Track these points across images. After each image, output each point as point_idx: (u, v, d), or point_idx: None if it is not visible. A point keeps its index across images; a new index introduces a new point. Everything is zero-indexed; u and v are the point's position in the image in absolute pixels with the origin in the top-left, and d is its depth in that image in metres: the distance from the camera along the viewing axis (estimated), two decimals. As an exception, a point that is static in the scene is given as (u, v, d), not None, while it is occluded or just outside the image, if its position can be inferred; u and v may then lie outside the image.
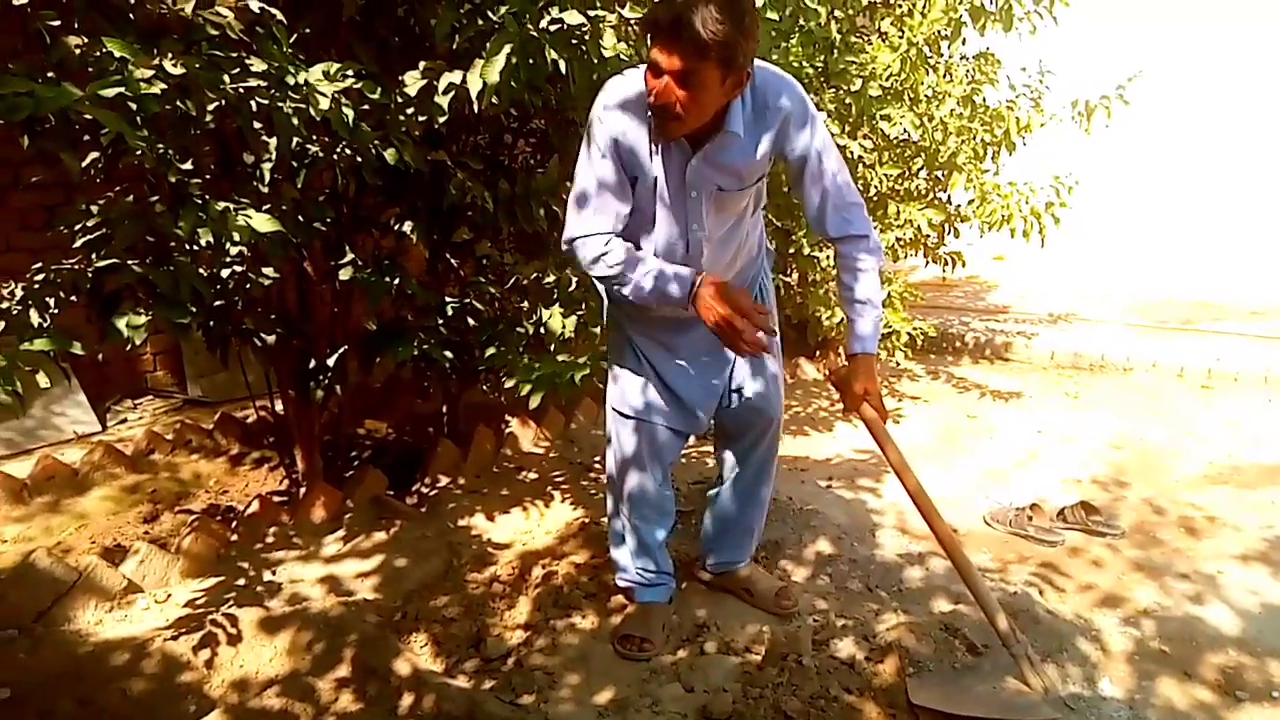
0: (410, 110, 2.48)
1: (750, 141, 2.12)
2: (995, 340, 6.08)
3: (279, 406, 3.48)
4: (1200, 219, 9.81)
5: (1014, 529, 3.33)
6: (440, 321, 3.15)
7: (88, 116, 1.86)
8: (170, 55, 1.90)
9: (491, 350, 3.04)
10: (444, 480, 3.66)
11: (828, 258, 4.52)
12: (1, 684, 2.32)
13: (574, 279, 2.99)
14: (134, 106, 1.86)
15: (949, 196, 5.04)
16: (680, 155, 2.12)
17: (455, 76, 2.34)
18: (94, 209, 2.39)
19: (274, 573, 2.93)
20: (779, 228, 4.37)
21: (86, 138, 2.31)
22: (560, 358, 2.60)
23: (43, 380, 2.05)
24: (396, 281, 2.89)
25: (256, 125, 2.20)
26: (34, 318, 2.22)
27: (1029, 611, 2.69)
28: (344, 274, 2.88)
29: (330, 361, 3.11)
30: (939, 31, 4.53)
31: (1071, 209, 4.73)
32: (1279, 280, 7.47)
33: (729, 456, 2.65)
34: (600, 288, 2.54)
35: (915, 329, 4.81)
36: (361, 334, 3.22)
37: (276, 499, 3.36)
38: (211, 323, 2.78)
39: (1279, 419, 4.65)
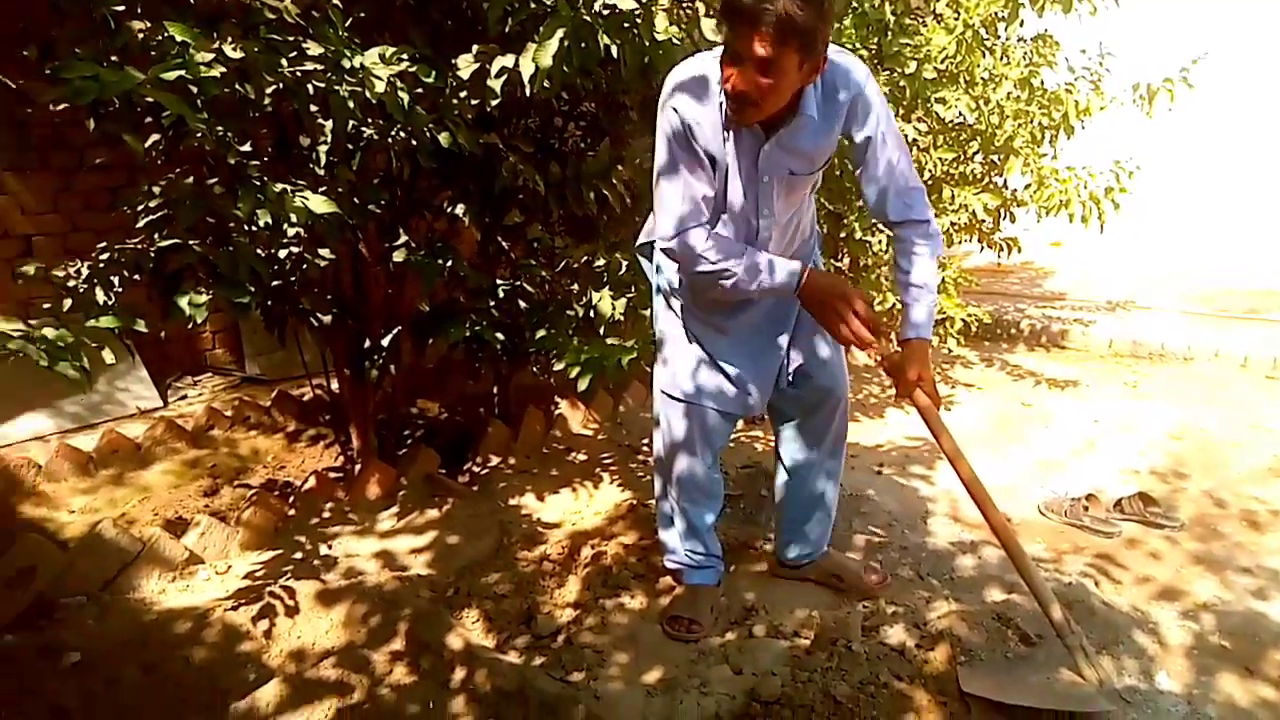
0: (463, 93, 2.49)
1: (822, 125, 2.11)
2: (1051, 327, 5.97)
3: (334, 385, 3.54)
4: (1265, 205, 9.50)
5: (1069, 519, 3.28)
6: (491, 304, 3.18)
7: (149, 99, 1.90)
8: (229, 39, 1.94)
9: (541, 332, 3.06)
10: (495, 460, 3.70)
11: (879, 242, 4.47)
12: (72, 648, 2.40)
13: (624, 262, 2.99)
14: (195, 90, 1.90)
15: (1005, 181, 4.95)
16: (753, 140, 2.11)
17: (508, 60, 2.35)
18: (156, 190, 2.44)
19: (330, 547, 2.99)
20: (830, 211, 4.33)
21: (148, 120, 2.36)
22: (610, 340, 2.61)
23: (108, 356, 2.11)
24: (449, 264, 2.92)
25: (313, 108, 2.23)
26: (99, 296, 2.28)
27: (1084, 603, 2.64)
28: (398, 256, 2.91)
29: (384, 342, 3.15)
30: (995, 13, 4.44)
31: (1132, 194, 4.61)
32: (1351, 267, 7.22)
33: (798, 442, 2.62)
34: (649, 269, 2.54)
35: (969, 315, 4.74)
36: (414, 315, 3.26)
37: (332, 475, 3.43)
38: (269, 302, 2.84)
39: (1349, 411, 4.51)
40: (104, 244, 2.48)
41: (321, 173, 2.56)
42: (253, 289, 2.52)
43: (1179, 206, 9.62)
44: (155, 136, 2.56)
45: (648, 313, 2.87)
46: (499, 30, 2.52)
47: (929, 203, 2.27)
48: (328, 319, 2.90)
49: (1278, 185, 10.16)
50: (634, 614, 2.66)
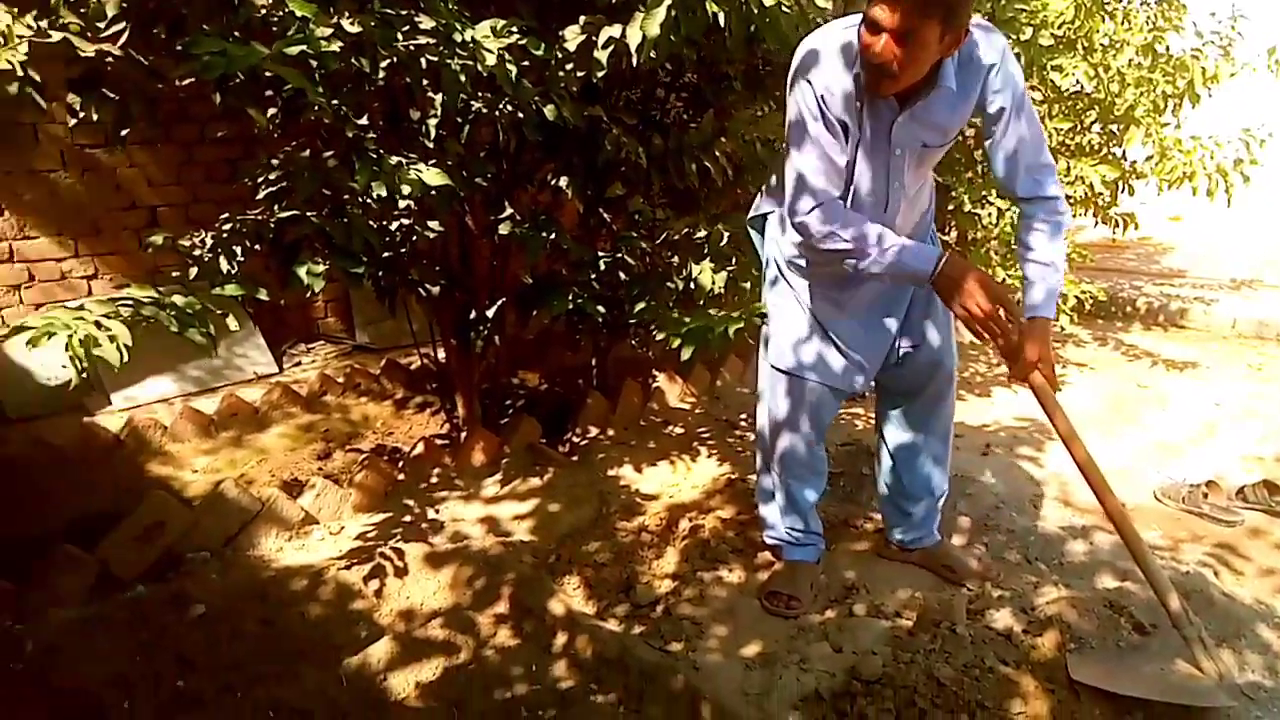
0: (569, 66, 2.50)
1: (959, 97, 2.05)
2: (1170, 306, 5.70)
3: (441, 355, 3.63)
4: None
5: (1187, 506, 3.14)
6: (592, 276, 3.20)
7: (270, 74, 1.96)
8: (347, 14, 1.98)
9: (641, 305, 3.07)
10: (593, 431, 3.74)
11: (989, 215, 4.33)
12: (197, 601, 2.54)
13: (725, 234, 2.97)
14: (314, 64, 1.95)
15: (1124, 152, 4.72)
16: (887, 112, 2.06)
17: (615, 30, 2.35)
18: (275, 163, 2.52)
19: (437, 511, 3.08)
20: (939, 183, 4.21)
21: (268, 94, 2.44)
22: (711, 312, 2.60)
23: (232, 323, 2.20)
24: (552, 236, 2.95)
25: (424, 82, 2.27)
26: (223, 265, 2.38)
27: (1203, 593, 2.53)
28: (503, 229, 2.95)
29: (490, 313, 3.21)
30: (1119, -25, 4.23)
31: (1262, 166, 4.35)
32: None
33: (902, 422, 2.57)
34: (759, 242, 2.52)
35: (1083, 292, 4.56)
36: (518, 287, 3.31)
37: (439, 442, 3.53)
38: (380, 273, 2.91)
39: None
40: (226, 215, 2.58)
41: (430, 146, 2.61)
42: (365, 260, 2.59)
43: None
44: (272, 111, 2.65)
45: (748, 285, 2.85)
46: (606, 1, 2.52)
47: (1059, 180, 2.19)
48: (436, 290, 2.96)
49: None
50: (732, 588, 2.66)
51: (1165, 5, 4.58)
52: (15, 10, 1.97)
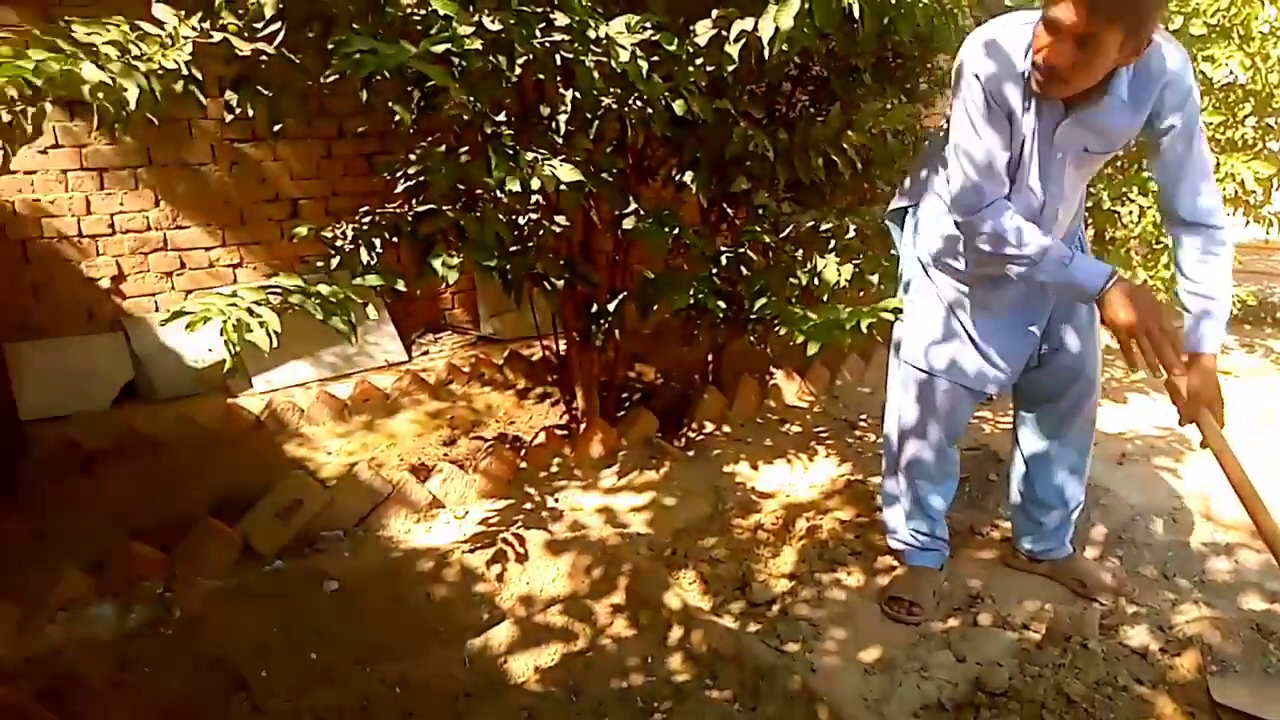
0: (699, 60, 2.50)
1: (1130, 107, 1.97)
2: (1327, 311, 5.32)
3: (561, 347, 3.69)
4: None
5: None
6: (713, 270, 3.19)
7: (412, 71, 2.03)
8: (487, 12, 2.03)
9: (762, 300, 3.05)
10: (709, 426, 3.74)
11: (1129, 213, 4.13)
12: (330, 577, 2.65)
13: (851, 228, 2.92)
14: (455, 62, 2.01)
15: (1280, 147, 4.43)
16: (1052, 114, 2.00)
17: (747, 23, 2.34)
18: (412, 158, 2.61)
19: (556, 500, 3.13)
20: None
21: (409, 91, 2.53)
22: (839, 307, 2.56)
23: (371, 312, 2.29)
24: (674, 231, 2.96)
25: (557, 78, 2.31)
26: (364, 255, 2.48)
27: (1364, 620, 2.37)
28: (627, 223, 2.98)
29: (610, 306, 3.24)
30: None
31: None
32: None
33: (1039, 428, 2.48)
34: (897, 235, 2.47)
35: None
36: (639, 281, 3.33)
37: (558, 432, 3.59)
38: (507, 266, 2.98)
39: None
40: (365, 208, 2.69)
41: (559, 141, 2.65)
42: (495, 253, 2.66)
43: None
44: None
45: (876, 279, 2.80)
46: (738, -6, 2.51)
47: (1224, 206, 2.08)
48: (560, 283, 3.01)
49: None
50: (851, 591, 2.62)
51: (1333, -11, 4.27)
52: (181, 13, 2.10)
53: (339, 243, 2.56)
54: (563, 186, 2.33)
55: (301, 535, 2.83)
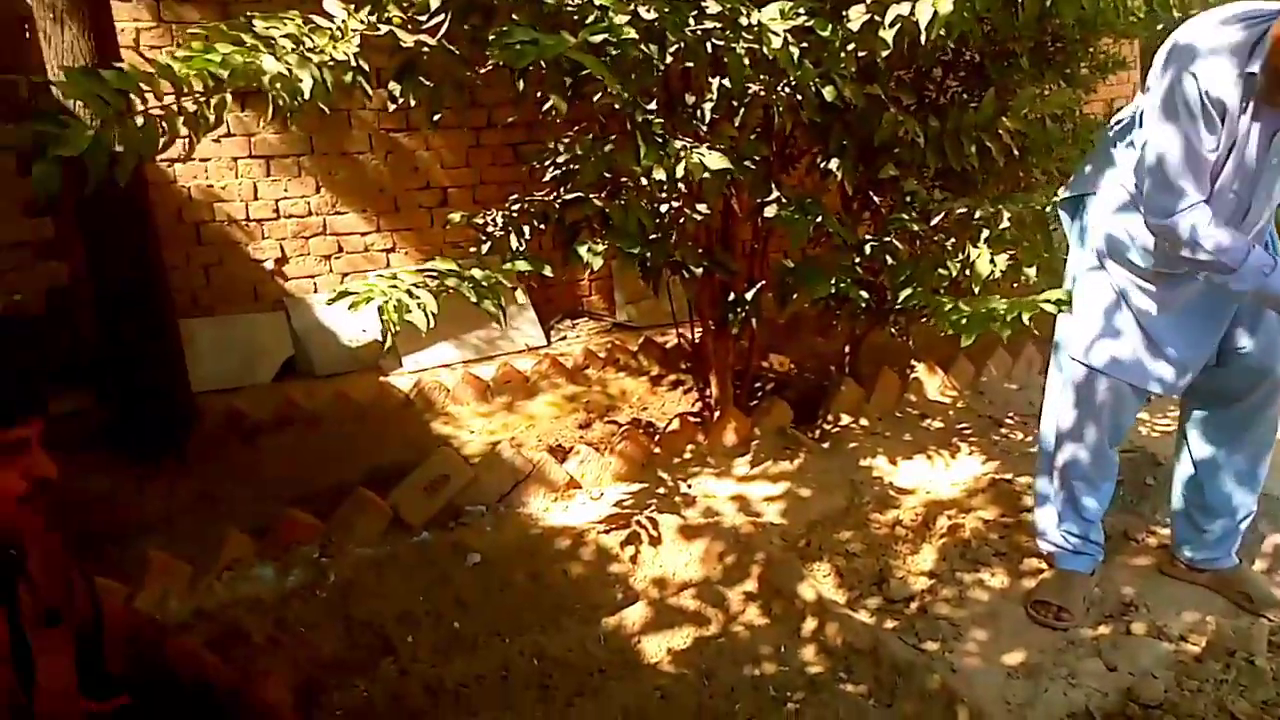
0: (850, 46, 2.46)
1: None
2: None
3: (697, 335, 3.70)
4: None
5: None
6: (856, 260, 3.14)
7: (566, 61, 2.08)
8: (642, 1, 2.05)
9: (908, 291, 2.98)
10: (845, 419, 3.68)
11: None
12: (473, 550, 2.75)
13: (1006, 216, 2.82)
14: (608, 51, 2.04)
15: None
16: (1271, 119, 1.91)
17: (903, 8, 2.28)
18: (561, 147, 2.67)
19: (690, 486, 3.15)
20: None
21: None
22: (995, 299, 2.47)
23: (520, 296, 2.35)
24: (817, 219, 2.92)
25: (707, 66, 2.31)
26: (513, 241, 2.56)
27: None
28: (768, 211, 2.96)
29: (748, 295, 3.23)
30: None
31: None
32: None
33: (1211, 433, 2.36)
34: (1068, 224, 2.36)
35: None
36: (777, 270, 3.31)
37: (691, 420, 3.61)
38: (648, 254, 3.01)
39: None
40: (515, 195, 2.77)
41: (704, 130, 2.66)
42: (637, 240, 2.69)
43: None
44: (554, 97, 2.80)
45: (1032, 271, 2.69)
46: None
47: None
48: (698, 271, 3.02)
49: None
50: (994, 592, 2.54)
51: None
52: (351, 7, 2.21)
53: (490, 229, 2.64)
54: (706, 174, 2.34)
55: (447, 509, 2.94)
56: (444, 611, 2.55)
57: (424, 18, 2.20)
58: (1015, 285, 2.90)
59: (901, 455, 3.37)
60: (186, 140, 2.07)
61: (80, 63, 2.92)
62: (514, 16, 2.04)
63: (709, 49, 2.18)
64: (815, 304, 3.23)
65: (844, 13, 2.41)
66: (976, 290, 2.73)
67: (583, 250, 2.48)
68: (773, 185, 2.93)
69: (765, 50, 2.16)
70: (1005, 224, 2.72)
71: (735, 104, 2.59)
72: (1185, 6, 2.61)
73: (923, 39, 2.26)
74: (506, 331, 4.58)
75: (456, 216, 2.68)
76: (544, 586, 2.68)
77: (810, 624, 2.39)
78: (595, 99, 2.26)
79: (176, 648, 1.61)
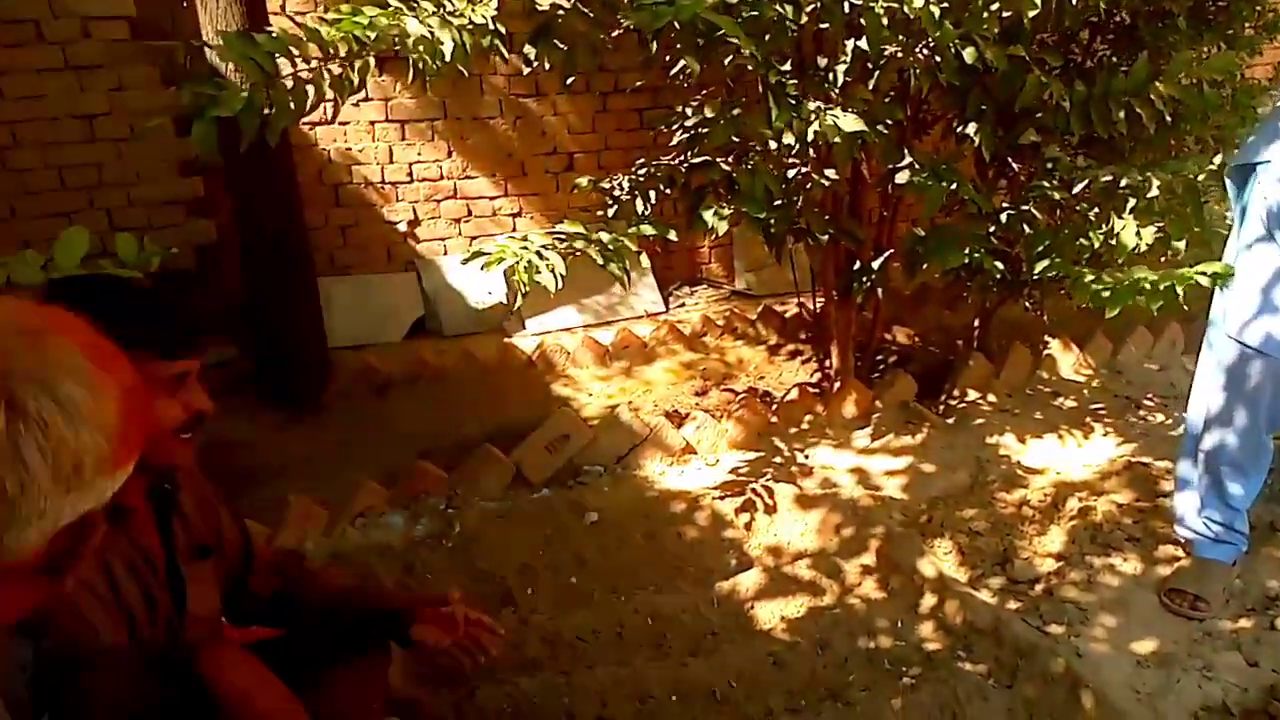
0: (994, 6, 2.36)
1: None
2: None
3: (818, 304, 3.65)
4: None
5: None
6: (991, 229, 3.02)
7: (699, 24, 2.06)
8: (777, -39, 2.02)
9: (1045, 262, 2.85)
10: (972, 394, 3.58)
11: None
12: (591, 509, 2.81)
13: (1155, 186, 2.66)
14: (746, 12, 2.02)
15: None
16: None
17: (1052, -36, 2.17)
18: (689, 111, 2.65)
19: (807, 456, 3.13)
20: None
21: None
22: (1144, 271, 2.34)
23: (645, 260, 2.37)
24: (952, 186, 2.82)
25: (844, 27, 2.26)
26: (639, 206, 2.57)
27: None
28: (900, 177, 2.88)
29: (875, 264, 3.16)
30: None
31: None
32: None
33: None
34: (1234, 193, 2.21)
35: None
36: (906, 239, 3.22)
37: (810, 390, 3.57)
38: (772, 220, 2.97)
39: None
40: (641, 160, 2.77)
41: (835, 94, 2.60)
42: (763, 206, 2.66)
43: None
44: (683, 61, 2.79)
45: (1181, 244, 2.54)
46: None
47: None
48: (824, 238, 2.97)
49: None
50: (1126, 578, 2.45)
51: None
52: (489, -28, 2.25)
53: (616, 193, 2.66)
54: (838, 138, 2.29)
55: (566, 468, 3.00)
56: (562, 566, 2.62)
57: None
58: (1162, 259, 2.75)
59: (1031, 434, 3.26)
60: (331, 103, 2.15)
61: (234, 28, 3.07)
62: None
63: (846, 9, 2.13)
64: (945, 275, 3.13)
65: (990, -29, 2.31)
66: (1121, 263, 2.60)
67: (708, 215, 2.47)
68: (905, 150, 2.85)
69: (905, 10, 2.09)
70: (1154, 193, 2.56)
71: (869, 66, 2.52)
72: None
73: (1074, -2, 2.14)
74: (626, 297, 4.62)
75: (584, 181, 2.70)
76: (659, 547, 2.71)
77: (929, 600, 2.35)
78: (727, 61, 2.24)
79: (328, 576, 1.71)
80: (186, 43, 2.75)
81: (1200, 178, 2.55)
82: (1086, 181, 2.73)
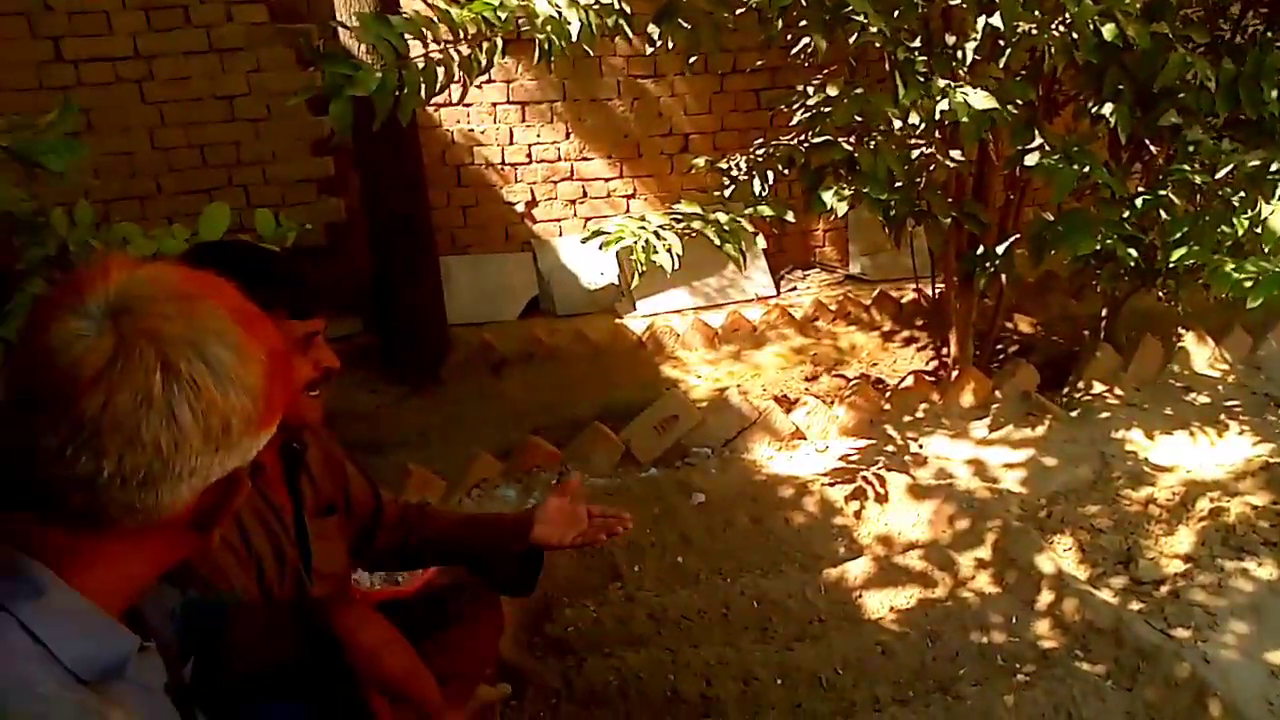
0: (1138, -21, 2.25)
1: None
2: None
3: (936, 290, 3.56)
4: None
5: None
6: (1125, 215, 2.89)
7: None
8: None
9: (1183, 250, 2.71)
10: (1099, 387, 3.43)
11: None
12: (697, 490, 2.82)
13: (1312, 171, 2.50)
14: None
15: None
16: None
17: (1204, -67, 2.05)
18: (810, 90, 2.62)
19: (921, 446, 3.07)
20: None
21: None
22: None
23: (761, 241, 2.36)
24: (1085, 170, 2.71)
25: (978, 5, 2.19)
26: (756, 187, 2.55)
27: None
28: (1029, 159, 2.77)
29: (999, 249, 3.06)
30: None
31: None
32: None
33: None
34: None
35: None
36: (1034, 224, 3.11)
37: (926, 378, 3.49)
38: (893, 202, 2.91)
39: None
40: (760, 140, 2.75)
41: (963, 72, 2.53)
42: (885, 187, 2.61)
43: None
44: (805, 40, 2.75)
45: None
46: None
47: None
48: (946, 221, 2.89)
49: None
50: (1260, 583, 2.32)
51: None
52: (613, -48, 2.26)
53: (733, 174, 2.65)
54: (966, 117, 2.22)
55: (675, 448, 3.03)
56: (668, 545, 2.64)
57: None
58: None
59: (1160, 429, 3.12)
60: (460, 84, 2.20)
61: (368, 10, 3.17)
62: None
63: (979, -15, 2.06)
64: (1072, 262, 3.01)
65: (1132, -58, 2.20)
66: (1267, 251, 2.45)
67: (827, 195, 2.43)
68: (1035, 131, 2.74)
69: (1047, -15, 2.02)
70: (1310, 180, 2.41)
71: (1000, 44, 2.43)
72: None
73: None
74: (737, 280, 4.60)
75: (701, 161, 2.70)
76: (766, 531, 2.70)
77: (1046, 597, 2.28)
78: (852, 40, 2.20)
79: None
80: (322, 25, 2.86)
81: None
82: (1232, 166, 2.57)
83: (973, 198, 3.10)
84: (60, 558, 0.73)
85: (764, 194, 2.55)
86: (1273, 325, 3.74)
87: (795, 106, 2.66)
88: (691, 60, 2.41)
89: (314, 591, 1.40)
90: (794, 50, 3.01)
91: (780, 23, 2.18)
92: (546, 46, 2.05)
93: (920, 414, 3.26)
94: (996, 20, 2.19)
